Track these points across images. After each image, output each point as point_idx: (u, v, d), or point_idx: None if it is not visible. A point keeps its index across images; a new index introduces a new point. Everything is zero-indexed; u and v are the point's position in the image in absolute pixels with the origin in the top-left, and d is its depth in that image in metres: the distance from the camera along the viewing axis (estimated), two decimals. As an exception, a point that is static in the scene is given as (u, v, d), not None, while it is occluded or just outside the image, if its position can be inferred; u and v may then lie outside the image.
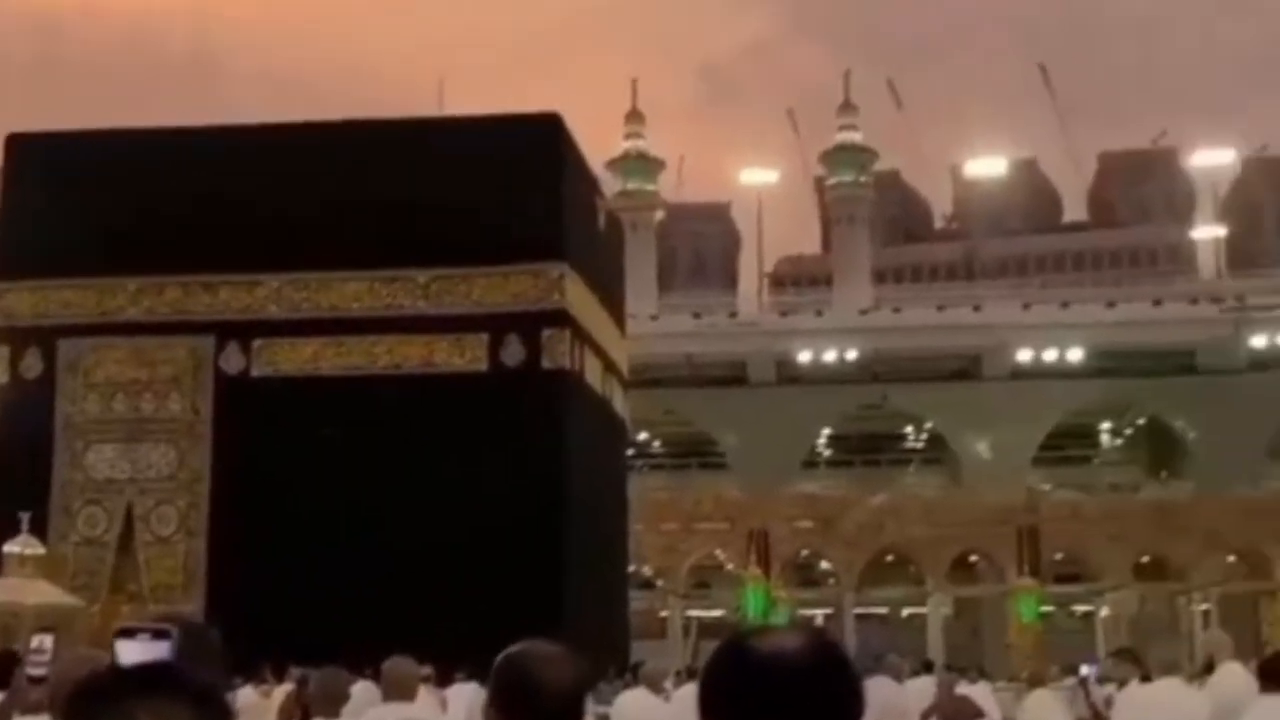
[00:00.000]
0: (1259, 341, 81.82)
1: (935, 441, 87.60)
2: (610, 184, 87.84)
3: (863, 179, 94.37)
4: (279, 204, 30.41)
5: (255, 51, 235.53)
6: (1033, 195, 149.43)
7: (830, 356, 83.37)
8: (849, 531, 63.25)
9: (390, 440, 26.09)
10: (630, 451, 61.09)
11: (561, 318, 16.78)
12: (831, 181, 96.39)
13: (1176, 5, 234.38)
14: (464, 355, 26.97)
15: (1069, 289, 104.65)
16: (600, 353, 25.02)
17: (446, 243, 27.51)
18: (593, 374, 24.51)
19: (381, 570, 25.70)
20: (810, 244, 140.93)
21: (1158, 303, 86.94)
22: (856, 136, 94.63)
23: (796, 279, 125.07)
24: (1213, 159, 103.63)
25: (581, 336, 17.11)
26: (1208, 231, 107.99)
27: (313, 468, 28.20)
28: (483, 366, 24.34)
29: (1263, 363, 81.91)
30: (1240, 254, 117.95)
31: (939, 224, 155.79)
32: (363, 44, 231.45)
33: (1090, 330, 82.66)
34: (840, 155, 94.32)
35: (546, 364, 22.37)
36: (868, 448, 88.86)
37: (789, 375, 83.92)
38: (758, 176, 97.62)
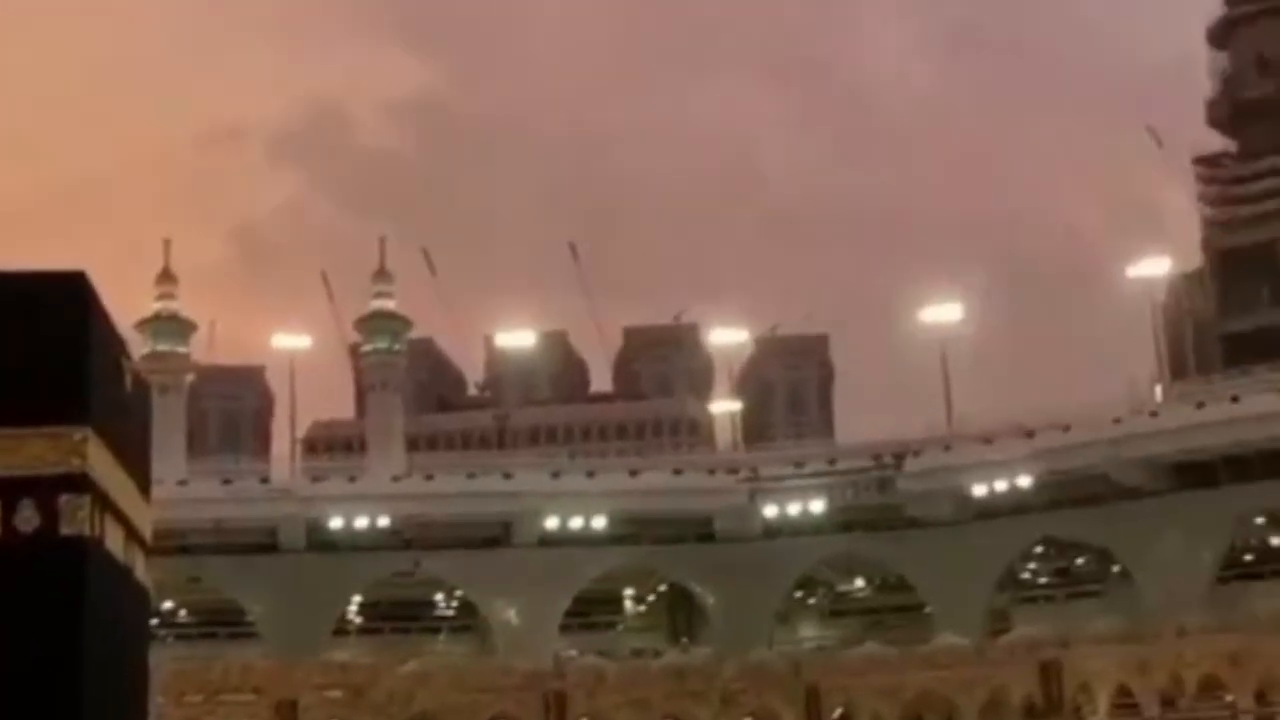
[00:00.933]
0: (771, 510, 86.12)
1: (466, 608, 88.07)
2: (140, 345, 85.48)
3: (397, 346, 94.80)
4: None
5: None
6: (562, 366, 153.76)
7: (362, 523, 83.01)
8: (379, 700, 62.58)
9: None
10: (154, 621, 58.93)
11: (81, 483, 16.37)
12: (366, 348, 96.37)
13: (696, 189, 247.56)
14: (-25, 521, 25.66)
15: (595, 458, 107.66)
16: (123, 519, 24.29)
17: (-41, 403, 26.21)
18: (114, 541, 23.76)
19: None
20: (344, 409, 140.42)
21: (678, 472, 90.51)
22: (391, 304, 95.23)
23: (330, 444, 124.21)
24: (728, 337, 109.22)
25: (103, 502, 16.66)
26: (724, 405, 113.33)
27: None
28: (-5, 533, 23.29)
29: (775, 530, 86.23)
30: (754, 427, 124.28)
31: (472, 392, 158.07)
32: None
33: (615, 498, 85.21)
34: (374, 322, 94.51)
35: (65, 530, 21.65)
36: (399, 615, 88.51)
37: (320, 542, 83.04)
38: (291, 341, 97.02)
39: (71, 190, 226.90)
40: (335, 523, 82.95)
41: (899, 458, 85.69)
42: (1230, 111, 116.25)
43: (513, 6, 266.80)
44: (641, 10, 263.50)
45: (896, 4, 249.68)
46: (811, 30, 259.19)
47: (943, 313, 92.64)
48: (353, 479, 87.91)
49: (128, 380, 16.34)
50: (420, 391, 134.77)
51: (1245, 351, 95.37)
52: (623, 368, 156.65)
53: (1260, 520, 79.36)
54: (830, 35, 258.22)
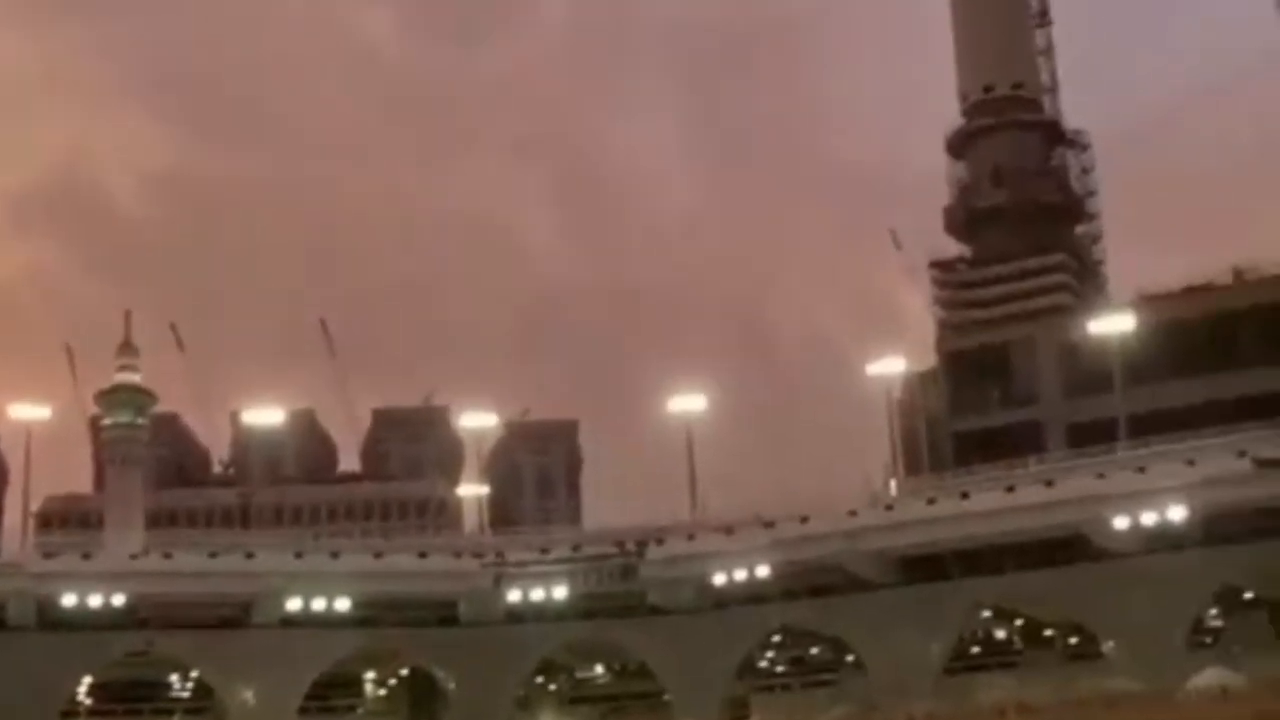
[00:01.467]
0: (515, 595, 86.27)
1: (202, 690, 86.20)
2: None
3: (140, 420, 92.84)
4: None
5: None
6: (309, 445, 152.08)
7: (96, 601, 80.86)
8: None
9: None
10: None
11: None
12: (107, 421, 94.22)
13: (451, 271, 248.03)
14: None
15: (340, 539, 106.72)
16: None
17: None
18: None
19: None
20: (83, 483, 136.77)
21: (423, 555, 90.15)
22: (136, 377, 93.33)
23: (65, 519, 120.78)
24: (478, 420, 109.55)
25: None
26: (472, 489, 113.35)
27: None
28: None
29: (518, 615, 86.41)
30: (502, 511, 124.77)
31: (217, 469, 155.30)
32: None
33: (358, 580, 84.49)
34: (117, 395, 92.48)
35: None
36: (132, 696, 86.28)
37: (52, 620, 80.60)
38: (29, 412, 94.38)
39: None
40: (68, 600, 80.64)
41: (642, 545, 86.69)
42: (966, 219, 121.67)
43: (270, 82, 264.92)
44: (402, 90, 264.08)
45: (668, 104, 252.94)
46: (580, 123, 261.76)
47: (689, 403, 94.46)
48: (87, 555, 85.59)
49: None
50: (163, 467, 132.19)
51: (975, 449, 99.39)
52: (372, 448, 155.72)
53: (986, 613, 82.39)
54: (600, 129, 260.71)
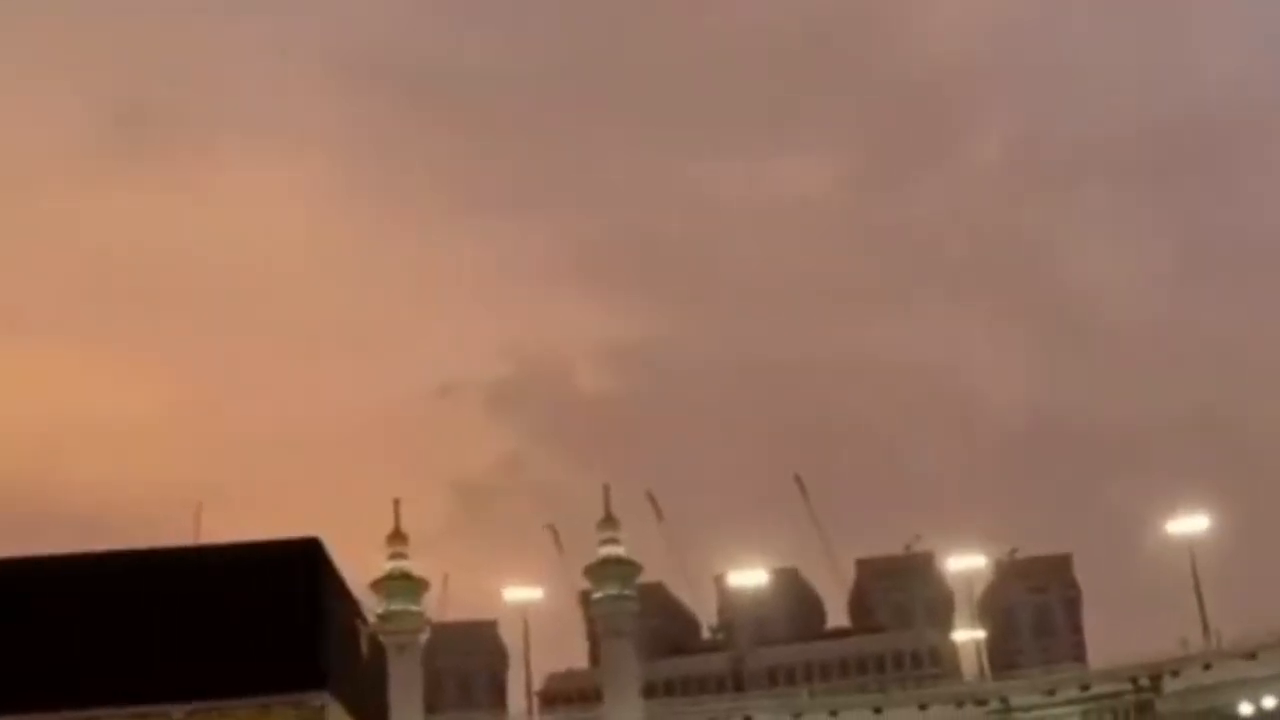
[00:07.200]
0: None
1: None
2: (373, 605, 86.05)
3: (627, 592, 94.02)
4: (35, 641, 29.28)
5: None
6: (796, 603, 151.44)
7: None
8: None
9: None
10: None
11: (324, 750, 15.90)
12: (596, 595, 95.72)
13: (913, 413, 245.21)
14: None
15: (836, 696, 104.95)
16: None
17: (204, 674, 26.55)
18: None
19: None
20: (579, 659, 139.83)
21: (924, 707, 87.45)
22: (619, 550, 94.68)
23: (568, 696, 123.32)
24: (966, 563, 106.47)
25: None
26: (967, 634, 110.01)
27: None
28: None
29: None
30: (1000, 655, 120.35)
31: (705, 634, 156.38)
32: (117, 472, 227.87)
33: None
34: (604, 569, 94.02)
35: (308, 799, 21.26)
36: None
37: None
38: (522, 593, 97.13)
39: (301, 456, 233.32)
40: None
41: (1156, 679, 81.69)
42: None
43: (710, 257, 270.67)
44: (839, 240, 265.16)
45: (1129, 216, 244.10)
46: (1024, 252, 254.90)
47: (1190, 524, 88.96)
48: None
49: (364, 643, 15.94)
50: (653, 637, 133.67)
51: None
52: (858, 601, 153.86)
53: None
54: (1051, 255, 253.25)
